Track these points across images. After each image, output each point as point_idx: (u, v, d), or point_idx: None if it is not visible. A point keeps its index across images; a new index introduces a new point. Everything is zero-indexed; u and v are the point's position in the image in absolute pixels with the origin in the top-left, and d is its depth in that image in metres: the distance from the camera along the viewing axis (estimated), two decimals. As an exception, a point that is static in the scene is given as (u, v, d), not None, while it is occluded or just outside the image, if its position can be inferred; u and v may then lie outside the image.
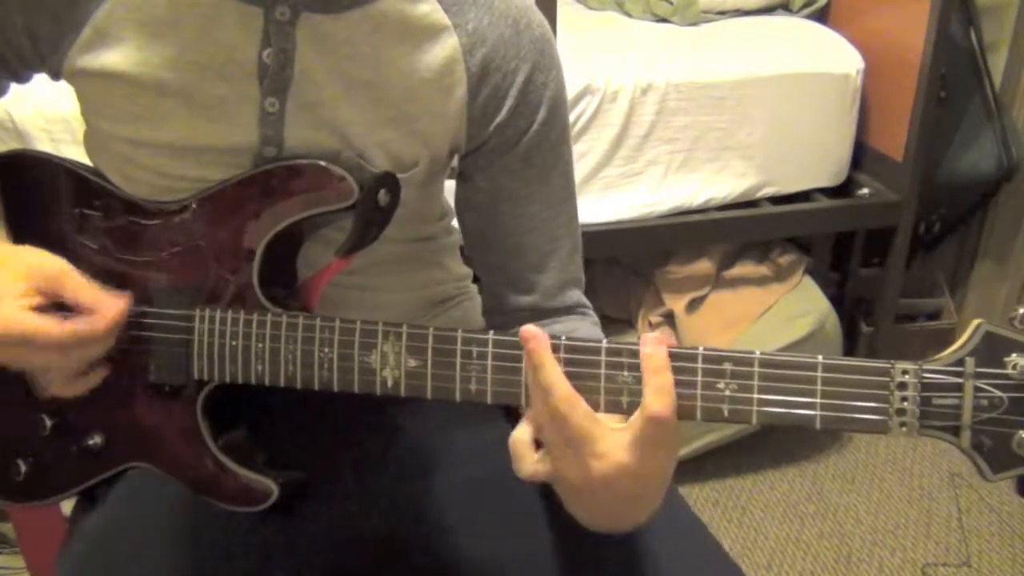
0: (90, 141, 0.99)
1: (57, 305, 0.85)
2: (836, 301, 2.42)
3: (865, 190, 2.37)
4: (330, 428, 1.05)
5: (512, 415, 1.06)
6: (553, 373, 0.74)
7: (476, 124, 0.95)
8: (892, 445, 2.46)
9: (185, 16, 0.87)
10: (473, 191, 0.99)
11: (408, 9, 0.90)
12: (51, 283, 0.84)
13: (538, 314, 1.02)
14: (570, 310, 1.04)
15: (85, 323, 0.83)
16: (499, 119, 0.94)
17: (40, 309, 0.83)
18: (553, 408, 0.73)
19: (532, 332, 0.75)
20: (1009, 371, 0.69)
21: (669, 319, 2.36)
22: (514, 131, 0.95)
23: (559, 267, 1.02)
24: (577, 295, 1.05)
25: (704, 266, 2.34)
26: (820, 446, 2.47)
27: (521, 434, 0.77)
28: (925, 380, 0.70)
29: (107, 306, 0.85)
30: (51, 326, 0.82)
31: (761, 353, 0.72)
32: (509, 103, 0.94)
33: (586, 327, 1.04)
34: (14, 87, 1.02)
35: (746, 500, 2.29)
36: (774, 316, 2.30)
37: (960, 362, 0.70)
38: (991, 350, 0.70)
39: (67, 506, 1.03)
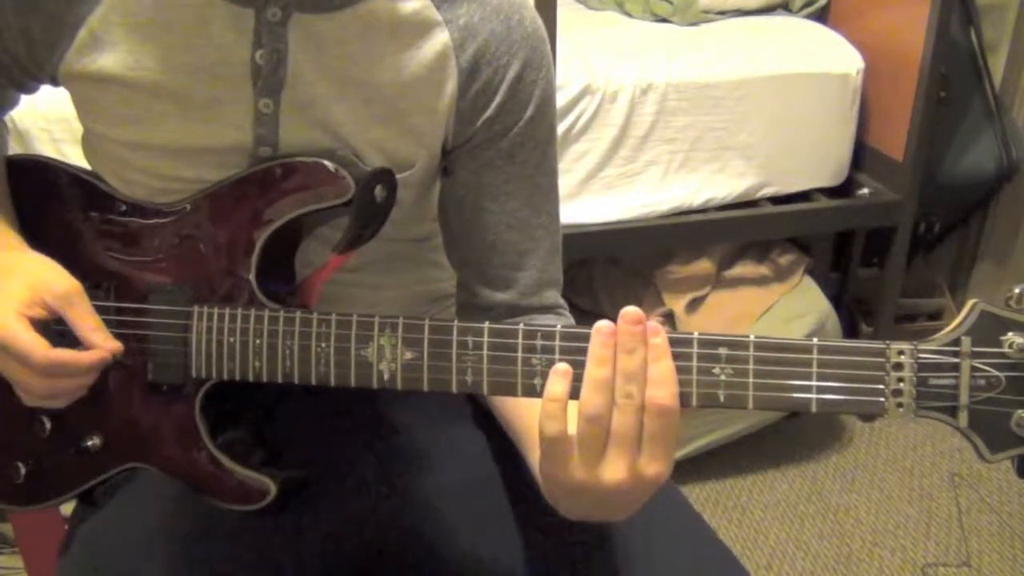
0: (87, 144, 0.99)
1: (57, 321, 0.86)
2: (836, 301, 2.43)
3: (865, 190, 2.37)
4: (329, 426, 1.05)
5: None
6: (672, 368, 0.72)
7: (464, 119, 0.94)
8: (892, 445, 2.46)
9: (177, 18, 0.87)
10: (455, 185, 0.99)
11: (399, 7, 0.90)
12: (57, 301, 0.85)
13: (514, 311, 1.01)
14: (547, 309, 1.03)
15: (70, 356, 0.84)
16: (487, 114, 0.94)
17: (39, 321, 0.84)
18: (653, 402, 0.71)
19: (656, 326, 0.72)
20: (1006, 350, 0.69)
21: (669, 319, 2.36)
22: (501, 127, 0.95)
23: (538, 266, 1.01)
24: (555, 296, 1.04)
25: (704, 266, 2.34)
26: (820, 446, 2.46)
27: (562, 392, 0.73)
28: (921, 360, 0.70)
29: (97, 343, 0.85)
30: (36, 348, 0.82)
31: (756, 337, 0.72)
32: (498, 99, 0.94)
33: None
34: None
35: (746, 500, 2.28)
36: (774, 316, 2.30)
37: (956, 342, 0.70)
38: (987, 329, 0.69)
39: (67, 506, 1.03)
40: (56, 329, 0.86)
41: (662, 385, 0.71)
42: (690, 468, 2.30)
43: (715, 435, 2.27)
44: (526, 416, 0.89)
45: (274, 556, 0.97)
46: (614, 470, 0.72)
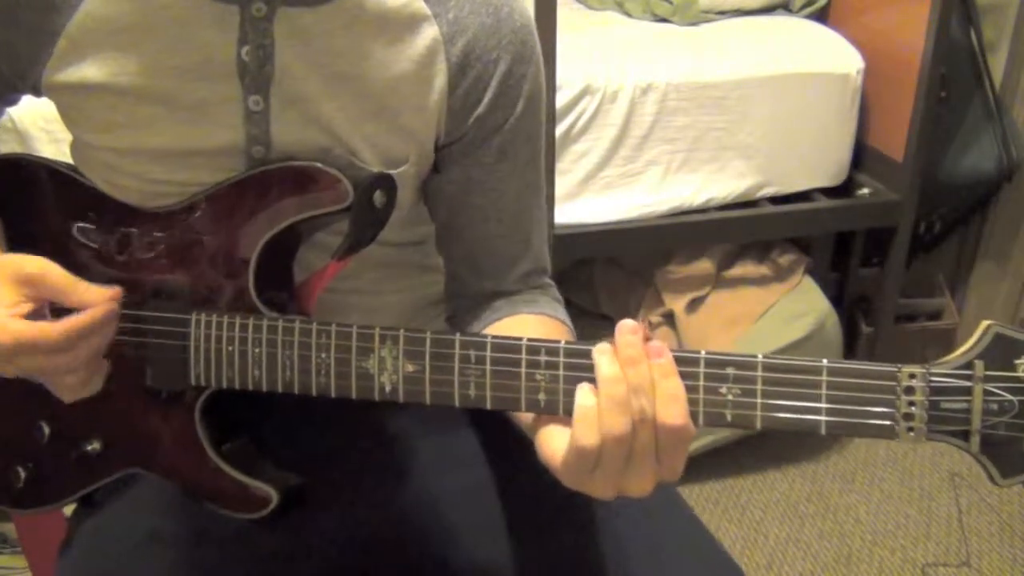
0: (76, 152, 0.98)
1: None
2: (836, 301, 2.42)
3: (865, 190, 2.37)
4: (330, 433, 1.05)
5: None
6: (680, 385, 0.72)
7: (456, 116, 0.93)
8: (892, 445, 2.46)
9: (158, 20, 0.86)
10: (444, 182, 0.98)
11: (386, 0, 0.89)
12: (35, 287, 0.81)
13: (505, 295, 1.02)
14: (535, 288, 1.04)
15: (83, 316, 0.80)
16: (479, 111, 0.93)
17: (33, 314, 0.81)
18: (665, 422, 0.71)
19: (660, 346, 0.72)
20: (1020, 374, 0.68)
21: (669, 319, 2.36)
22: (492, 124, 0.94)
23: (530, 258, 1.02)
24: (544, 278, 1.06)
25: (704, 266, 2.34)
26: (821, 446, 2.46)
27: (594, 403, 0.72)
28: (933, 384, 0.69)
29: (97, 296, 0.81)
30: (47, 328, 0.78)
31: (764, 357, 0.71)
32: (489, 95, 0.93)
33: (546, 300, 1.04)
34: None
35: (746, 500, 2.28)
36: (774, 316, 2.29)
37: (969, 365, 0.69)
38: (1001, 352, 0.68)
39: (68, 507, 1.03)
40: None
41: (672, 403, 0.71)
42: (690, 468, 2.27)
43: (715, 435, 2.27)
44: None
45: (273, 563, 0.97)
46: (637, 484, 0.73)
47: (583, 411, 0.71)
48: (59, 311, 0.82)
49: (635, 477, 0.73)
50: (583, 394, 0.72)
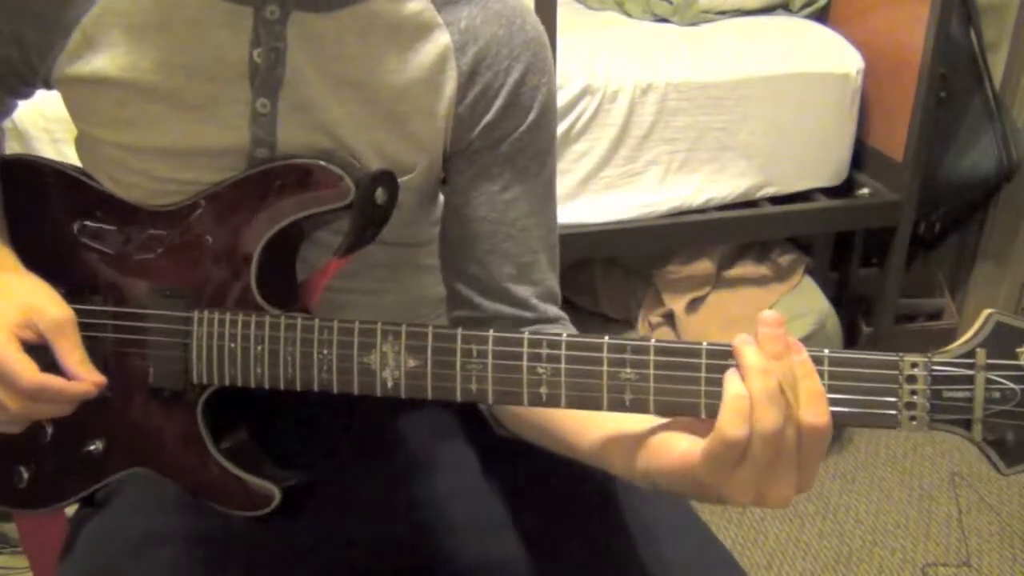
0: (82, 148, 0.98)
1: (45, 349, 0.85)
2: (836, 301, 2.42)
3: (865, 190, 2.37)
4: (331, 432, 1.05)
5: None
6: (821, 385, 0.69)
7: (464, 125, 0.93)
8: (892, 445, 2.46)
9: (173, 18, 0.86)
10: (450, 194, 0.98)
11: (399, 8, 0.89)
12: (49, 329, 0.85)
13: (517, 323, 0.99)
14: (549, 321, 1.00)
15: (59, 383, 0.83)
16: (487, 119, 0.93)
17: (28, 344, 0.84)
18: (809, 421, 0.67)
19: (796, 342, 0.69)
20: (1022, 362, 0.68)
21: (669, 319, 2.36)
22: (501, 132, 0.94)
23: (537, 280, 0.99)
24: (556, 311, 1.02)
25: (704, 266, 2.34)
26: (820, 446, 2.46)
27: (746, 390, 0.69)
28: (935, 372, 0.69)
29: (84, 376, 0.85)
30: (25, 369, 0.81)
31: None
32: (499, 103, 0.93)
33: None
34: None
35: (746, 500, 2.28)
36: (774, 316, 2.29)
37: (970, 353, 0.69)
38: (1002, 341, 0.68)
39: (69, 507, 1.03)
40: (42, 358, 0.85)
41: (816, 401, 0.68)
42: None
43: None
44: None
45: (274, 563, 0.97)
46: (780, 490, 0.69)
47: (736, 400, 0.67)
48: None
49: (779, 480, 0.68)
50: (734, 382, 0.68)
